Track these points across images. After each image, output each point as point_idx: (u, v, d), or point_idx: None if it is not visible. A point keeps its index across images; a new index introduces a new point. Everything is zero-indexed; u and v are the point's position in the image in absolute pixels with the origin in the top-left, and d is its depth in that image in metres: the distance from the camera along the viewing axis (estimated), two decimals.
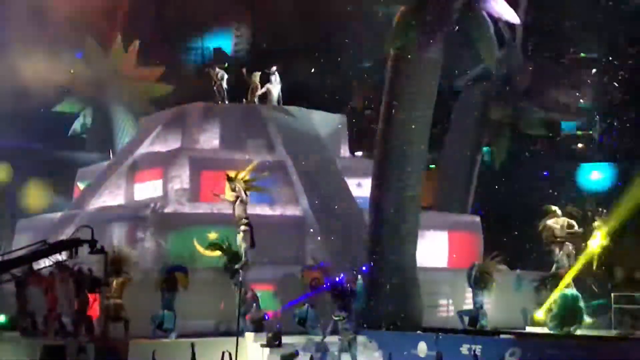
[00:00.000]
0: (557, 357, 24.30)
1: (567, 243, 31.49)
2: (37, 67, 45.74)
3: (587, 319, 29.41)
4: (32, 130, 46.52)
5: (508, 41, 40.08)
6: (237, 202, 29.57)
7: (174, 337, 26.95)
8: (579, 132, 47.82)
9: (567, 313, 28.95)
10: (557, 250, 31.61)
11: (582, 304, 29.32)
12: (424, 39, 29.76)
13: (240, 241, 29.27)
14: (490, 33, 30.55)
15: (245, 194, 29.67)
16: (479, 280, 29.90)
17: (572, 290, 29.44)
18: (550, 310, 29.50)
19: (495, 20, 31.28)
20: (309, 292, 28.85)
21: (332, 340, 27.06)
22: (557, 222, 31.09)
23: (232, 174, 29.74)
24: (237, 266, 28.69)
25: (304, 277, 29.20)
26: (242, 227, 29.32)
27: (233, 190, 29.61)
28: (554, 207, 32.33)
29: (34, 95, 46.07)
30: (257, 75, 37.40)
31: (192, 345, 24.49)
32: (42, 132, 47.40)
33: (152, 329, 27.15)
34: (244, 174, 29.87)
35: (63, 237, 30.92)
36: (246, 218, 29.44)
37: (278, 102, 37.38)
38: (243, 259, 29.00)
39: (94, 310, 27.42)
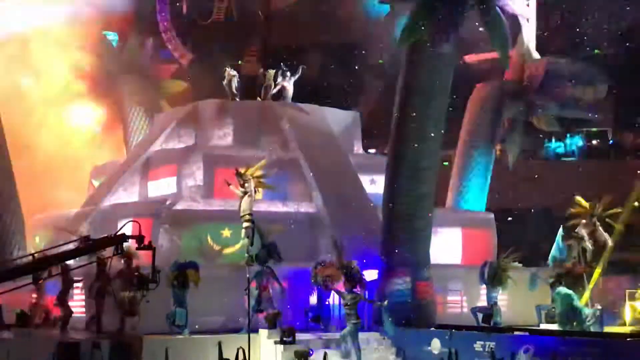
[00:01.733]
0: (571, 353, 24.21)
1: (585, 238, 31.40)
2: (51, 63, 45.82)
3: (587, 311, 29.29)
4: None
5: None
6: (245, 197, 29.55)
7: (187, 333, 26.99)
8: (593, 129, 47.70)
9: (569, 310, 28.86)
10: (575, 243, 31.48)
11: (576, 302, 29.14)
12: (438, 35, 29.70)
13: (243, 236, 29.28)
14: (504, 28, 30.43)
15: (255, 190, 29.67)
16: (494, 278, 29.85)
17: (565, 289, 29.36)
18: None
19: (510, 16, 31.16)
20: (322, 289, 28.83)
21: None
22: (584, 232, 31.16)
23: (241, 169, 29.78)
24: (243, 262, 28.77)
25: (317, 274, 29.14)
26: (245, 224, 29.28)
27: (242, 185, 29.61)
28: (583, 203, 31.98)
29: None
30: (271, 73, 37.40)
31: (219, 343, 24.53)
32: None
33: (168, 326, 27.17)
34: (254, 170, 29.88)
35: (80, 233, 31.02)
36: (250, 214, 29.44)
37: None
38: (246, 255, 29.01)
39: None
